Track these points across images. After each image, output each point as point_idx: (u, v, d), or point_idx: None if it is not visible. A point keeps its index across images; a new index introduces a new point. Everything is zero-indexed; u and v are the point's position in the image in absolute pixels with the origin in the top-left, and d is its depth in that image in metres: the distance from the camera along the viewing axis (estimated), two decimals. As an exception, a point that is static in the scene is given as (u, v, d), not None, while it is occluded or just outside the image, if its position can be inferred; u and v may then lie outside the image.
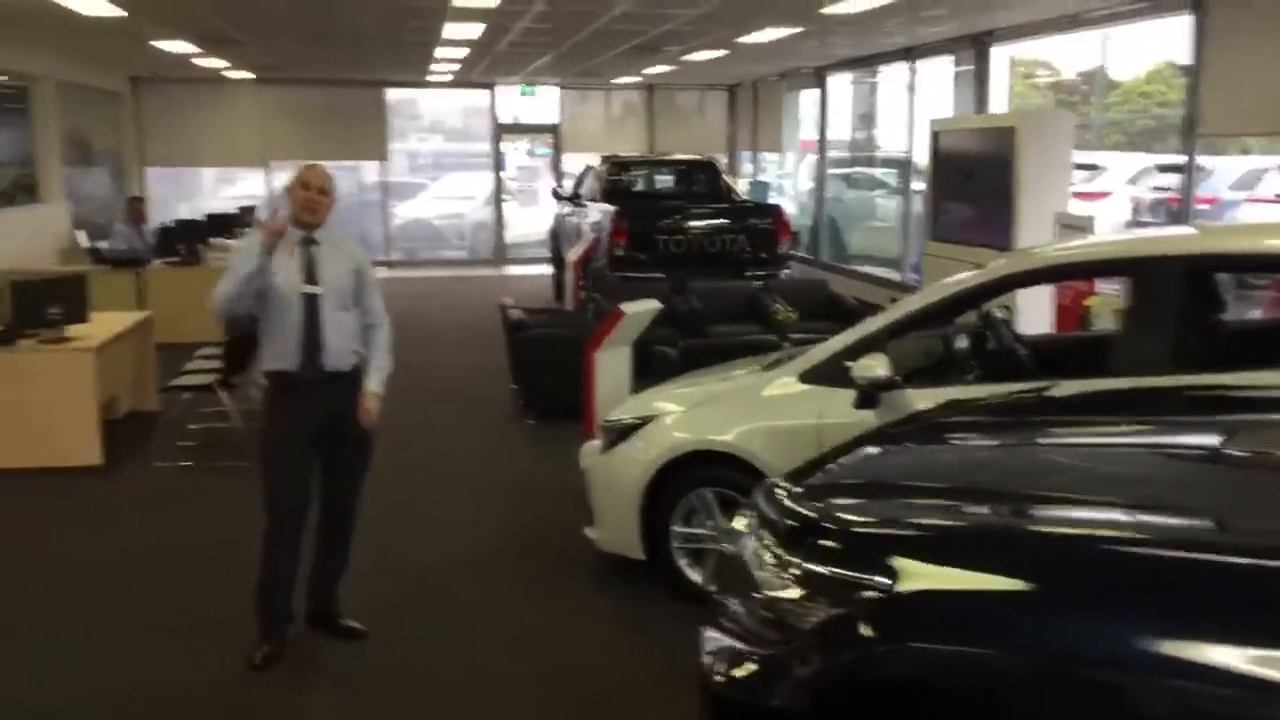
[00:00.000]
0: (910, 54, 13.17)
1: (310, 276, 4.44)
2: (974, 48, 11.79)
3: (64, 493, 6.84)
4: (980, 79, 11.78)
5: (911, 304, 5.12)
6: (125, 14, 9.63)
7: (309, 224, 4.47)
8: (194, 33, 11.80)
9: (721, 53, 13.32)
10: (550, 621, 5.04)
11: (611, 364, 6.41)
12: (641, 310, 6.63)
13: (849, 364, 4.65)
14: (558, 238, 15.03)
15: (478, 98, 19.46)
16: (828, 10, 9.62)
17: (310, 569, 4.76)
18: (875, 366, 4.53)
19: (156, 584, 5.42)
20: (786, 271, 12.08)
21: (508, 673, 4.54)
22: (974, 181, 9.69)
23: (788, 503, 2.91)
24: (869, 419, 4.44)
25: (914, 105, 13.38)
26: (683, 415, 5.20)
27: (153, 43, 12.23)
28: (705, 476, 5.03)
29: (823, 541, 2.69)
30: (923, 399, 4.43)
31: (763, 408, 5.03)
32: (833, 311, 9.56)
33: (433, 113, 21.13)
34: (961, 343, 5.14)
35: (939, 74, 13.09)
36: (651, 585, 5.14)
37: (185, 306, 10.47)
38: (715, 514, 5.01)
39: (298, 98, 18.31)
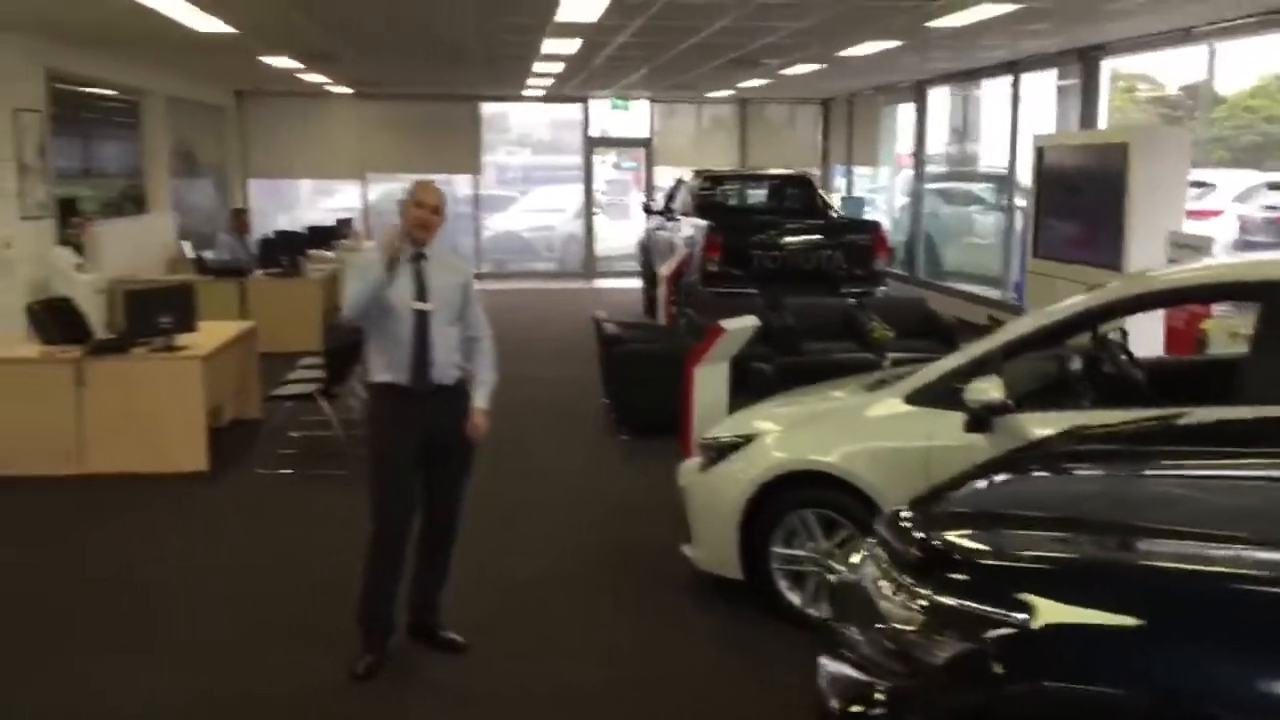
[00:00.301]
0: (1013, 68, 12.93)
1: (421, 293, 4.49)
2: (1081, 62, 11.53)
3: (171, 498, 6.99)
4: (1088, 94, 11.51)
5: (1024, 325, 5.00)
6: (236, 31, 9.88)
7: (420, 241, 4.52)
8: (299, 49, 12.07)
9: (820, 66, 13.21)
10: (646, 638, 5.01)
11: (710, 380, 6.37)
12: (741, 327, 6.59)
13: (960, 386, 4.55)
14: (648, 251, 15.03)
15: (568, 111, 19.60)
16: (931, 24, 9.48)
17: (411, 580, 4.79)
18: (989, 389, 4.41)
19: (259, 590, 5.51)
20: (883, 289, 11.89)
21: (603, 689, 4.52)
22: (1081, 199, 9.45)
23: (913, 531, 2.84)
24: (979, 443, 4.34)
25: (1016, 120, 13.12)
26: (784, 435, 5.14)
27: (259, 58, 12.54)
28: (807, 497, 4.95)
29: (951, 573, 2.62)
30: (1036, 423, 4.33)
31: (867, 428, 4.94)
32: (930, 330, 9.40)
33: (522, 126, 21.32)
34: (1075, 366, 5.01)
35: (1041, 88, 12.82)
36: (749, 605, 5.08)
37: (285, 317, 10.73)
38: (817, 536, 4.93)
39: (395, 112, 18.62)
